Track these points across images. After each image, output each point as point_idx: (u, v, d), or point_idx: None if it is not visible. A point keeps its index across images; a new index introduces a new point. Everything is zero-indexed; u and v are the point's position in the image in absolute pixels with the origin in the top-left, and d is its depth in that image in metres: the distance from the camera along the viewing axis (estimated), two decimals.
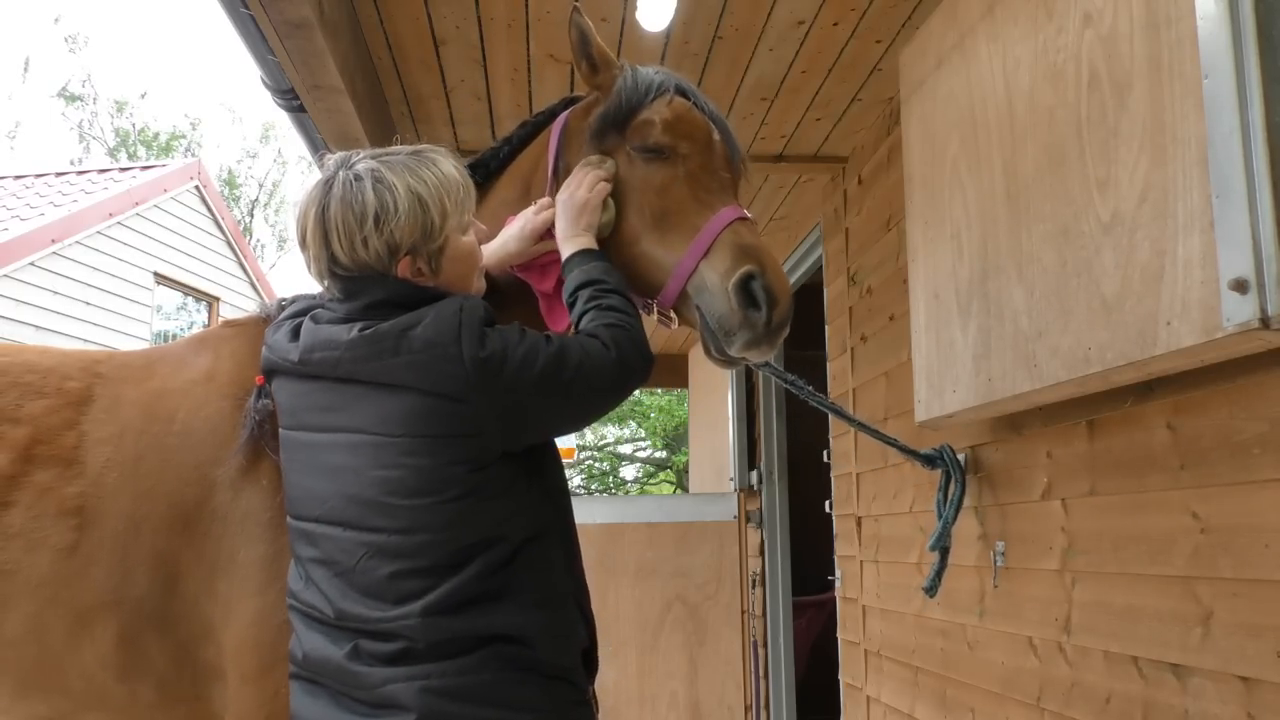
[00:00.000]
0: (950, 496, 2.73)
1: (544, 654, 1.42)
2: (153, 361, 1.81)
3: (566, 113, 1.92)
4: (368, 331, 1.45)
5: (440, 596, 1.39)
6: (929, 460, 2.81)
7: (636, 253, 1.74)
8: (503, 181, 1.94)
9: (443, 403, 1.40)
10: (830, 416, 4.36)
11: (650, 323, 1.83)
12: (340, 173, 1.53)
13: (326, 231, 1.51)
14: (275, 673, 1.54)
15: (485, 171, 1.92)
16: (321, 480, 1.48)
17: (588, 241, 1.70)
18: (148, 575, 1.59)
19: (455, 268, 1.58)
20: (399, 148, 1.58)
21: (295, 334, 1.56)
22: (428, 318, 1.44)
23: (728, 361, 1.72)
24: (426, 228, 1.52)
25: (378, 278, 1.51)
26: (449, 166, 1.58)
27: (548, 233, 1.77)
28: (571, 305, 1.64)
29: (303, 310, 1.64)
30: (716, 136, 1.82)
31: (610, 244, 1.76)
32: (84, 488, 1.61)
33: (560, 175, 1.84)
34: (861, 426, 2.79)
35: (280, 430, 1.58)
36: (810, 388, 2.53)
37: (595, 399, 1.53)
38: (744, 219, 1.71)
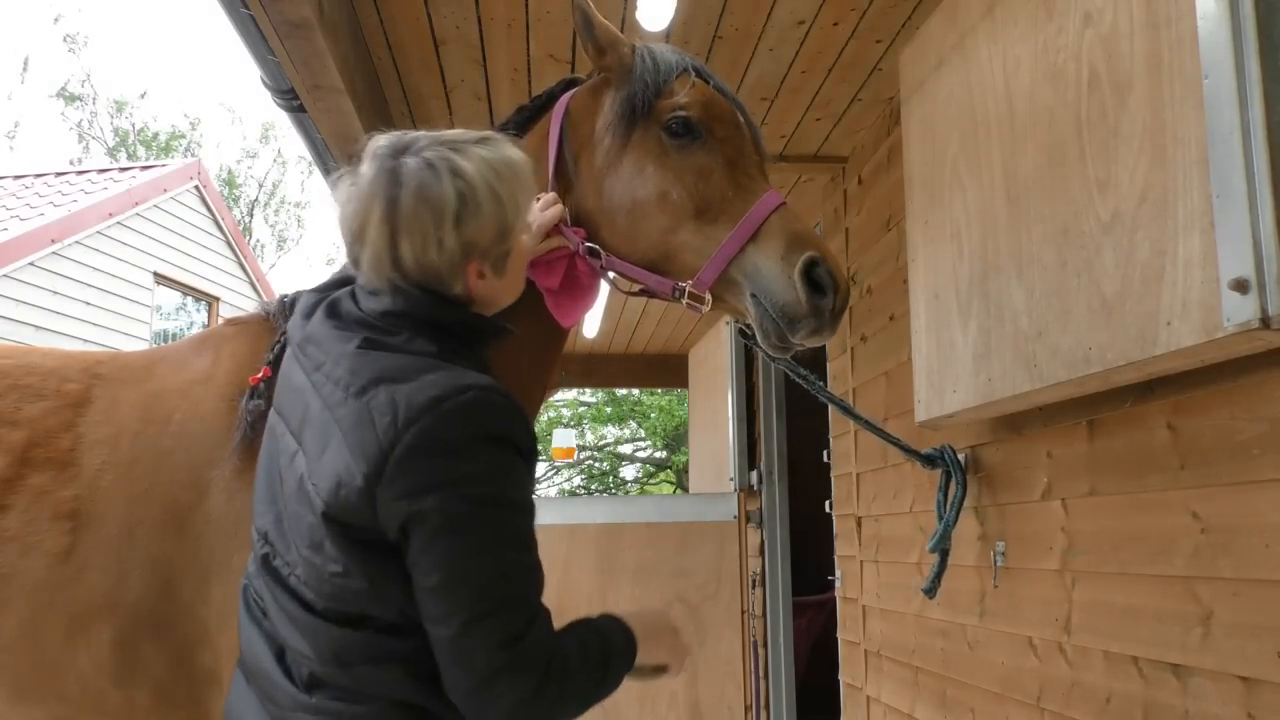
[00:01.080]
0: (951, 498, 2.73)
1: None
2: (154, 362, 1.80)
3: (567, 96, 1.88)
4: (361, 351, 1.29)
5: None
6: (929, 460, 2.81)
7: (672, 237, 1.71)
8: None
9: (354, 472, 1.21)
10: (831, 416, 4.36)
11: (678, 308, 1.80)
12: (407, 161, 1.32)
13: (395, 230, 1.30)
14: None
15: None
16: (273, 496, 1.35)
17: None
18: (143, 579, 1.57)
19: (514, 271, 1.42)
20: (461, 132, 1.40)
21: (308, 313, 1.42)
22: (429, 377, 1.23)
23: (784, 348, 1.71)
24: (502, 226, 1.35)
25: (412, 289, 1.32)
26: (518, 155, 1.41)
27: (554, 229, 1.74)
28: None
29: (342, 281, 1.52)
30: (742, 119, 1.82)
31: (640, 226, 1.72)
32: (79, 491, 1.60)
33: (566, 161, 1.81)
34: (867, 424, 2.78)
35: (272, 408, 1.45)
36: (822, 383, 2.53)
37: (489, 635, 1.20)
38: (785, 204, 1.71)
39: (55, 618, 1.55)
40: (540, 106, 1.92)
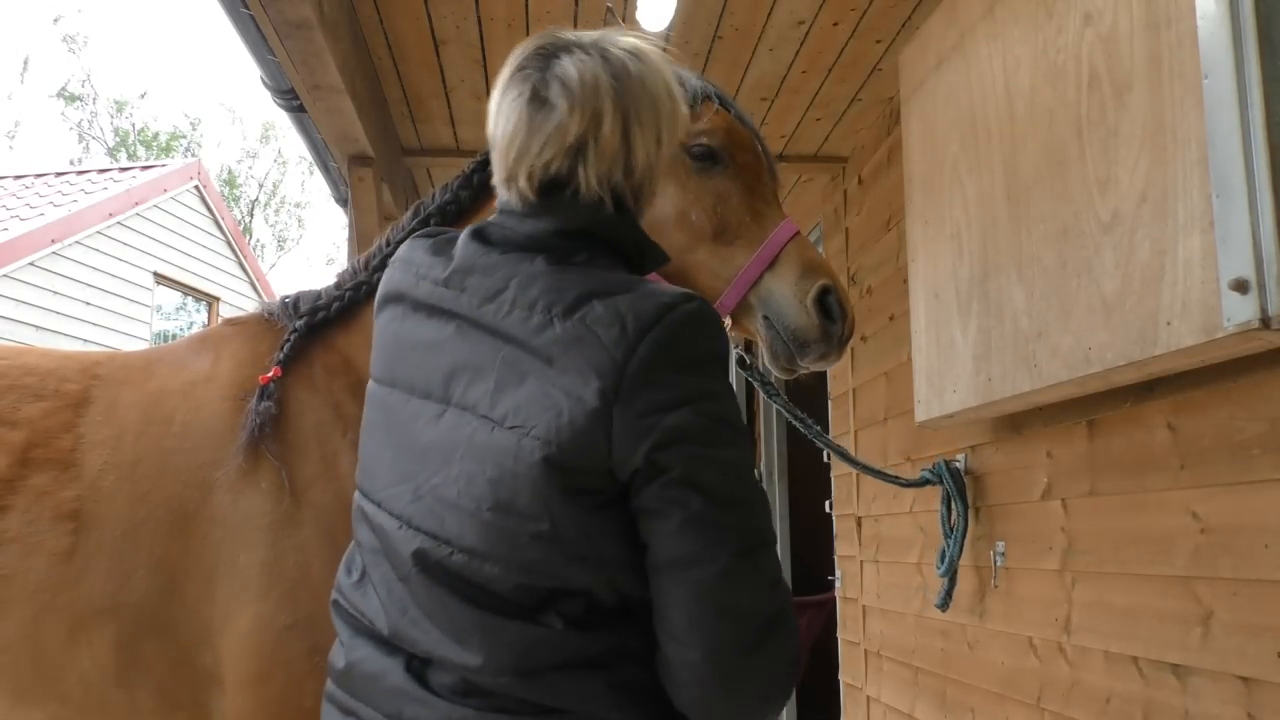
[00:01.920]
0: (954, 522, 2.73)
1: None
2: (152, 362, 1.79)
3: None
4: (554, 269, 1.09)
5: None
6: (924, 483, 2.84)
7: (689, 256, 1.75)
8: None
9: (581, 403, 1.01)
10: (831, 416, 4.36)
11: None
12: (611, 50, 1.14)
13: (629, 124, 1.11)
14: (274, 680, 1.52)
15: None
16: (398, 460, 1.15)
17: None
18: (146, 580, 1.56)
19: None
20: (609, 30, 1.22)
21: (440, 250, 1.20)
22: (646, 288, 1.07)
23: (792, 371, 1.77)
24: (677, 132, 1.19)
25: (599, 203, 1.13)
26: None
27: None
28: None
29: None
30: (760, 147, 1.87)
31: (658, 242, 1.73)
32: (81, 491, 1.59)
33: None
34: (863, 468, 2.82)
35: (370, 382, 1.25)
36: (818, 426, 2.49)
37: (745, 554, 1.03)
38: (799, 233, 1.79)
39: (57, 619, 1.55)
40: None
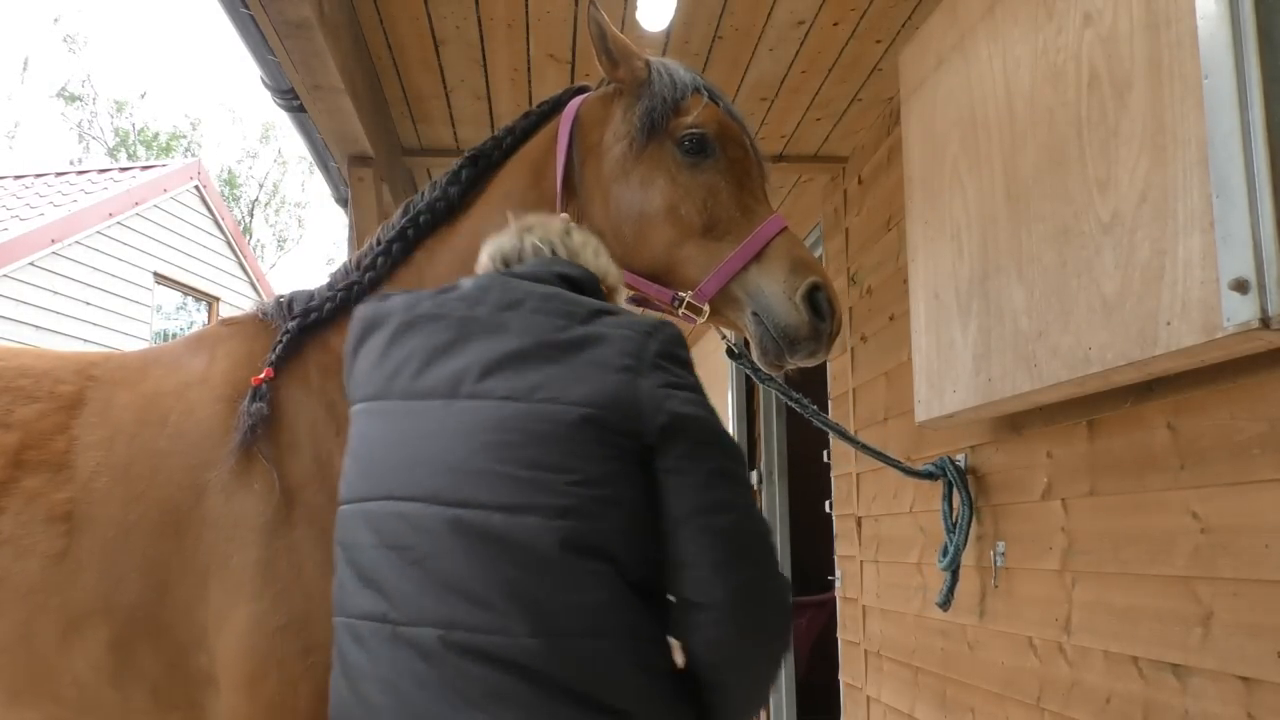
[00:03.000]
0: (957, 515, 2.73)
1: None
2: (148, 363, 1.78)
3: (577, 101, 1.91)
4: (566, 293, 1.36)
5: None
6: (928, 475, 2.82)
7: (677, 250, 1.76)
8: (507, 171, 1.89)
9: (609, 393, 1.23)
10: (830, 416, 4.36)
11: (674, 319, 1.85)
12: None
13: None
14: (268, 680, 1.51)
15: (488, 162, 1.89)
16: (405, 451, 1.27)
17: None
18: (139, 581, 1.56)
19: None
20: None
21: (420, 296, 1.42)
22: (634, 314, 1.36)
23: (779, 366, 1.79)
24: None
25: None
26: None
27: None
28: None
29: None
30: (748, 141, 1.87)
31: (642, 234, 1.77)
32: (74, 493, 1.59)
33: (574, 166, 1.84)
34: (863, 447, 2.78)
35: (353, 407, 1.40)
36: (814, 406, 2.49)
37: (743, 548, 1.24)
38: (787, 228, 1.79)
39: (50, 620, 1.55)
40: (545, 113, 1.94)
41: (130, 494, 1.59)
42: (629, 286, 1.84)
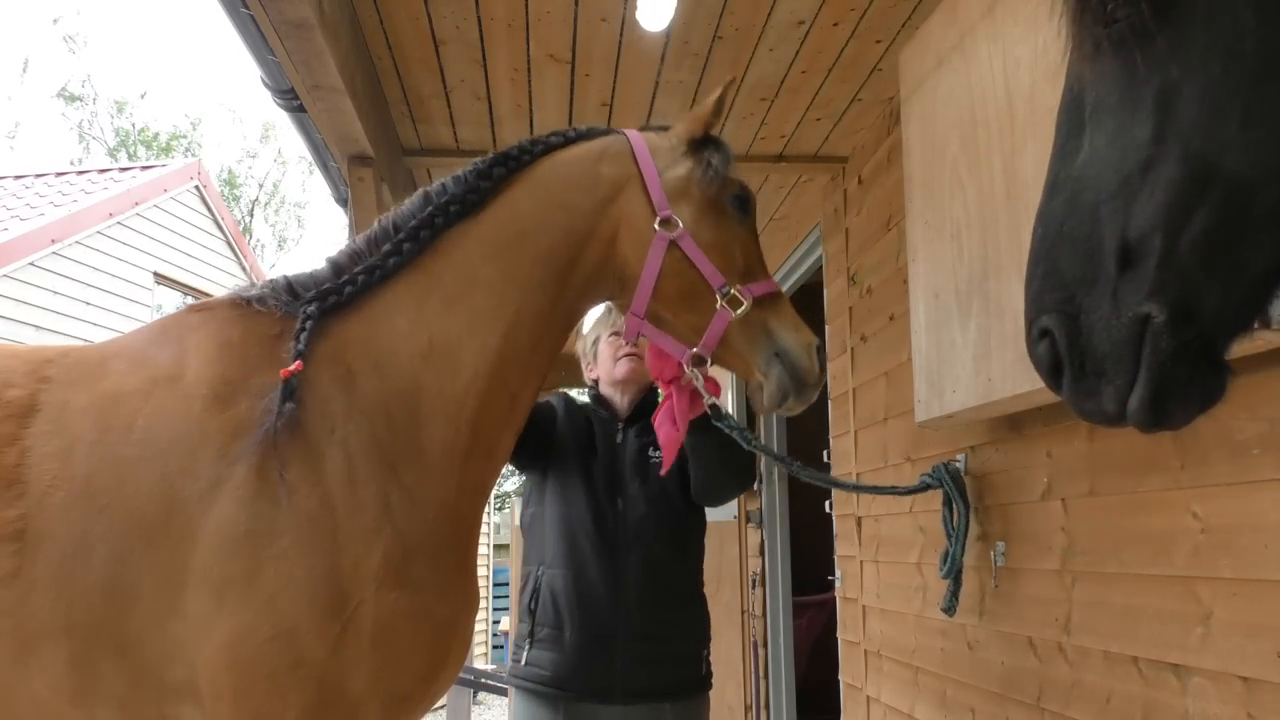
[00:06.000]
0: (956, 527, 2.72)
1: None
2: (108, 358, 1.64)
3: (640, 137, 1.99)
4: None
5: None
6: (924, 488, 2.82)
7: (723, 291, 1.92)
8: (537, 174, 1.91)
9: None
10: (831, 416, 4.36)
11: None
12: None
13: None
14: (255, 693, 1.45)
15: (517, 165, 1.89)
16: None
17: None
18: (102, 598, 1.46)
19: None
20: None
21: None
22: None
23: (778, 407, 1.95)
24: None
25: None
26: None
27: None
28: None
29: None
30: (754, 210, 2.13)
31: (688, 269, 1.92)
32: (25, 510, 1.47)
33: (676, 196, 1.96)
34: (855, 488, 2.89)
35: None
36: (798, 463, 2.41)
37: None
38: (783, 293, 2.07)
39: (3, 643, 1.46)
40: (573, 139, 1.97)
41: (92, 508, 1.48)
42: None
